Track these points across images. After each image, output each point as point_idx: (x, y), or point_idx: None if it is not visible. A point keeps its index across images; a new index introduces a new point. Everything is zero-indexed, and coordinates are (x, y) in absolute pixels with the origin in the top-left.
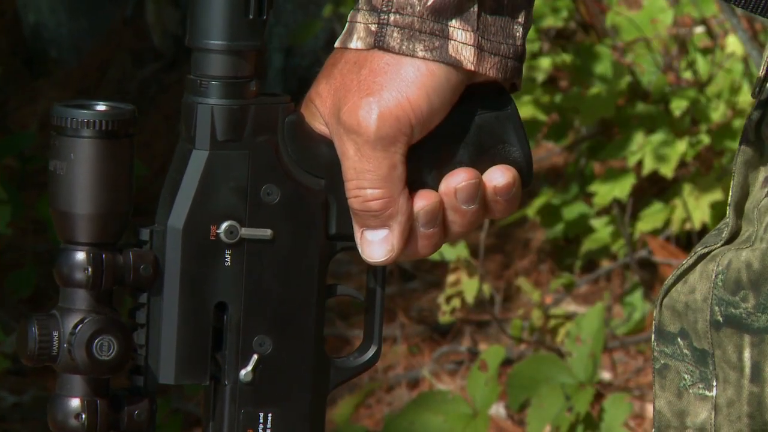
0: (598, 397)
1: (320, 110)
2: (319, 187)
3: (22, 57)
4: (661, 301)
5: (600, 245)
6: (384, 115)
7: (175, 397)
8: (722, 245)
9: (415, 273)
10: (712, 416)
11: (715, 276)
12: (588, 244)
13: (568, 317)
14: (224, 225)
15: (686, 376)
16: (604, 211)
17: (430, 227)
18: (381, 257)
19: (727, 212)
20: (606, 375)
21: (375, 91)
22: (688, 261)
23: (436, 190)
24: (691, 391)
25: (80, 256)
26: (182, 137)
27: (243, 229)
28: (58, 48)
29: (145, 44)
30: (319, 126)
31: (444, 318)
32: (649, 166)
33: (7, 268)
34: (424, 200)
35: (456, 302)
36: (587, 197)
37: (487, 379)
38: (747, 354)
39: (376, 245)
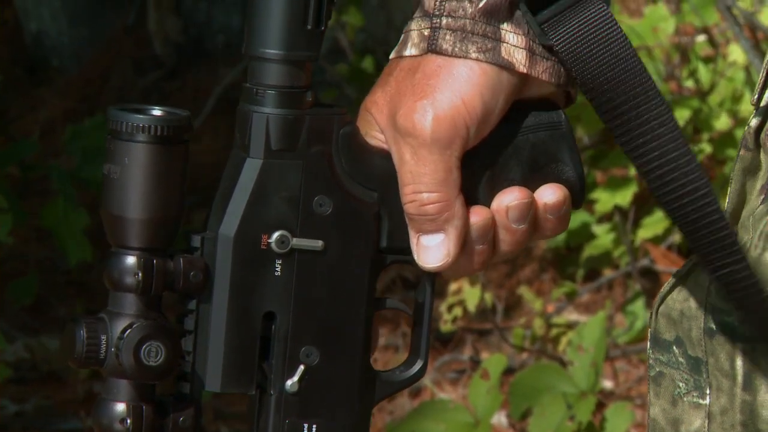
0: (600, 406)
1: (376, 118)
2: (371, 199)
3: (24, 65)
4: (657, 309)
5: (601, 251)
6: (439, 117)
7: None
8: None
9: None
10: (706, 424)
11: (709, 284)
12: (589, 251)
13: (570, 326)
14: (276, 234)
15: (681, 384)
16: (606, 218)
17: (481, 244)
18: (437, 262)
19: None
20: (608, 384)
21: (429, 94)
22: (683, 269)
23: (488, 207)
24: (685, 399)
25: (131, 260)
26: (236, 145)
27: (294, 239)
28: (59, 56)
29: (146, 52)
30: (375, 135)
31: (446, 327)
32: None
33: (8, 277)
34: (476, 216)
35: (458, 311)
36: (589, 205)
37: (489, 388)
38: (739, 362)
39: (432, 250)
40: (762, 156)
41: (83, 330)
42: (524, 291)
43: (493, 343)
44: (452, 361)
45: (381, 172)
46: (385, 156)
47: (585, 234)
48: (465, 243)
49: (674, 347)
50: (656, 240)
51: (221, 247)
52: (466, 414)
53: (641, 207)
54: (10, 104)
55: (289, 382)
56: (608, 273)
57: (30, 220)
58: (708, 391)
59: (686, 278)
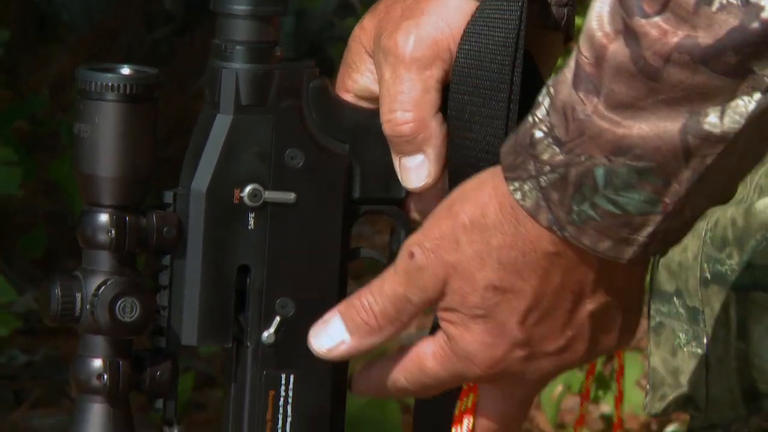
0: (610, 356)
1: (363, 42)
2: (343, 151)
3: (34, 21)
4: (657, 261)
5: None
6: (422, 37)
7: (186, 356)
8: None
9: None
10: (704, 374)
11: (704, 233)
12: None
13: None
14: (248, 188)
15: (681, 335)
16: None
17: None
18: (418, 183)
19: None
20: None
21: (416, 16)
22: None
23: None
24: (685, 349)
25: (104, 218)
26: (206, 101)
27: (266, 192)
28: (69, 12)
29: (155, 7)
30: (364, 64)
31: None
32: None
33: (18, 230)
34: None
35: None
36: None
37: None
38: (733, 311)
39: (413, 171)
40: None
41: (57, 288)
42: None
43: None
44: None
45: (352, 124)
46: (356, 108)
47: None
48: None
49: (674, 298)
50: None
51: (194, 203)
52: None
53: None
54: (20, 60)
55: (265, 334)
56: None
57: (39, 174)
58: (705, 341)
59: None
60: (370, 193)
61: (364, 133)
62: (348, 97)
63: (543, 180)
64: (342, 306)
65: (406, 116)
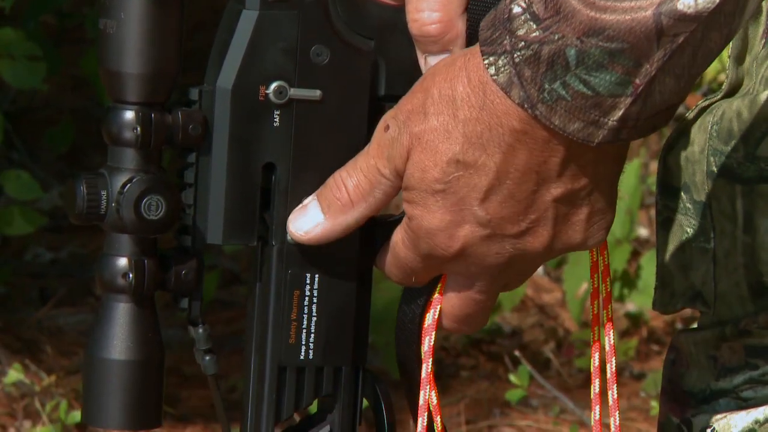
0: (635, 253)
1: None
2: (368, 48)
3: None
4: (665, 155)
5: None
6: None
7: (212, 254)
8: (722, 98)
9: None
10: (712, 268)
11: (711, 127)
12: None
13: None
14: (273, 85)
15: (689, 230)
16: None
17: None
18: None
19: (727, 65)
20: (643, 232)
21: None
22: (690, 114)
23: None
24: (693, 244)
25: (129, 115)
26: None
27: (292, 89)
28: None
29: None
30: None
31: None
32: None
33: (44, 125)
34: None
35: None
36: None
37: None
38: (739, 204)
39: None
40: (764, 2)
41: (83, 186)
42: None
43: None
44: None
45: (377, 20)
46: (381, 4)
47: None
48: None
49: (682, 193)
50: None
51: (219, 100)
52: None
53: None
54: None
55: None
56: None
57: (65, 69)
58: (712, 235)
59: (692, 123)
60: (395, 90)
61: (390, 30)
62: None
63: (517, 56)
64: (319, 189)
65: (433, 16)
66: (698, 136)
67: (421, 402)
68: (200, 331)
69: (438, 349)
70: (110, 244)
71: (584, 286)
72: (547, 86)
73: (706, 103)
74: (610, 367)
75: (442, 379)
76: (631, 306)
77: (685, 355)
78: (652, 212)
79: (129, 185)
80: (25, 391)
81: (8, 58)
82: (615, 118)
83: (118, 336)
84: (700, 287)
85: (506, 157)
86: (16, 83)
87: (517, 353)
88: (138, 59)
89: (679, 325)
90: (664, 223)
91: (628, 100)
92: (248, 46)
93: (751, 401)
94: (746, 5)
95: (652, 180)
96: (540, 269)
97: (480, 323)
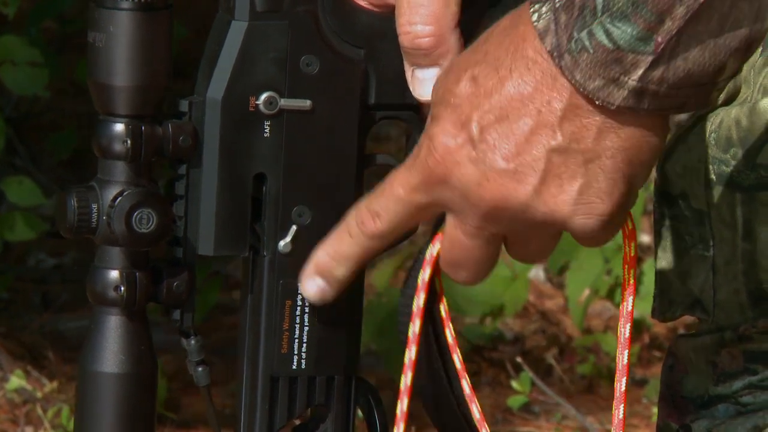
0: (638, 260)
1: None
2: (358, 57)
3: None
4: (662, 164)
5: None
6: None
7: (215, 260)
8: (719, 106)
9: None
10: (711, 276)
11: (709, 135)
12: None
13: None
14: (263, 96)
15: (687, 238)
16: None
17: None
18: (430, 95)
19: None
20: (645, 238)
21: None
22: (688, 122)
23: None
24: (691, 252)
25: (119, 127)
26: (221, 7)
27: (282, 99)
28: None
29: None
30: None
31: None
32: None
33: (47, 131)
34: None
35: None
36: None
37: None
38: (739, 212)
39: (427, 83)
40: None
41: (74, 199)
42: None
43: None
44: None
45: (367, 29)
46: (371, 13)
47: None
48: None
49: (680, 201)
50: None
51: (209, 111)
52: (504, 268)
53: None
54: None
55: (282, 243)
56: None
57: (68, 75)
58: (711, 243)
59: (689, 131)
60: (385, 99)
61: (380, 39)
62: (361, 3)
63: (558, 1)
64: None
65: (426, 30)
66: (696, 144)
67: (406, 361)
68: (192, 342)
69: None
70: (101, 257)
71: (586, 292)
72: (575, 34)
73: (704, 110)
74: (621, 360)
75: None
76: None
77: (683, 361)
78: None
79: (120, 198)
80: (27, 397)
81: (10, 64)
82: (635, 77)
83: (110, 349)
84: (699, 295)
85: (514, 82)
86: (18, 89)
87: (519, 359)
88: (127, 72)
89: (681, 332)
90: (662, 232)
91: (649, 59)
92: (238, 56)
93: (750, 406)
94: None
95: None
96: (541, 275)
97: (470, 275)
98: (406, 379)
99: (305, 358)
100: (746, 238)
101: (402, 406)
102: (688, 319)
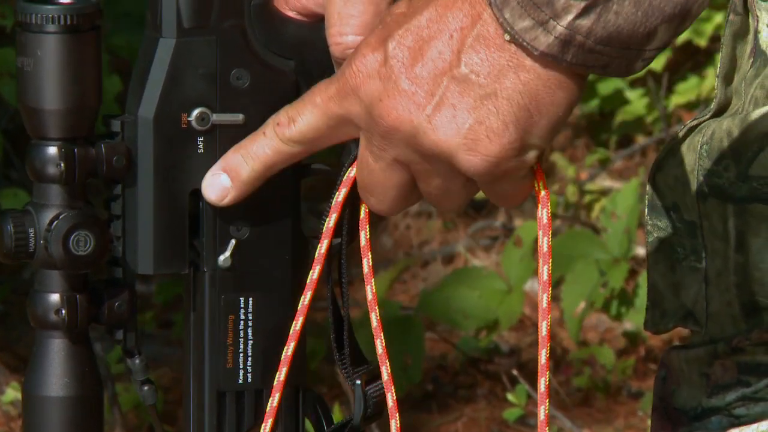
0: (633, 272)
1: None
2: (288, 68)
3: None
4: (653, 175)
5: (634, 117)
6: None
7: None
8: (710, 117)
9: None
10: (703, 288)
11: (700, 147)
12: (622, 116)
13: (603, 193)
14: (195, 112)
15: (679, 249)
16: (639, 83)
17: None
18: None
19: (716, 84)
20: (641, 250)
21: None
22: (679, 134)
23: None
24: (683, 263)
25: (52, 151)
26: (148, 26)
27: (214, 115)
28: None
29: None
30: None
31: (479, 193)
32: (683, 35)
33: None
34: None
35: None
36: None
37: (521, 255)
38: (731, 224)
39: None
40: (750, 20)
41: (10, 224)
42: (558, 158)
43: (527, 210)
44: (485, 227)
45: (296, 40)
46: (300, 23)
47: (618, 99)
48: None
49: (671, 213)
50: (690, 106)
51: (142, 130)
52: (499, 281)
53: (675, 72)
54: None
55: (221, 258)
56: (641, 139)
57: None
58: (704, 255)
59: (681, 143)
60: None
61: (309, 48)
62: (289, 15)
63: None
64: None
65: (357, 40)
66: (687, 155)
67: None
68: (137, 362)
69: (435, 368)
70: (41, 281)
71: (582, 304)
72: None
73: (695, 122)
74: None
75: (439, 398)
76: (629, 325)
77: (676, 373)
78: None
79: (56, 222)
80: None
81: (8, 77)
82: (564, 22)
83: (55, 372)
84: (692, 306)
85: (436, 7)
86: (14, 101)
87: (514, 372)
88: (57, 95)
89: (677, 344)
90: (654, 243)
91: (582, 5)
92: (167, 74)
93: (743, 418)
94: None
95: None
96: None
97: (377, 202)
98: (304, 299)
99: (251, 372)
100: (739, 249)
101: (296, 324)
102: (683, 331)
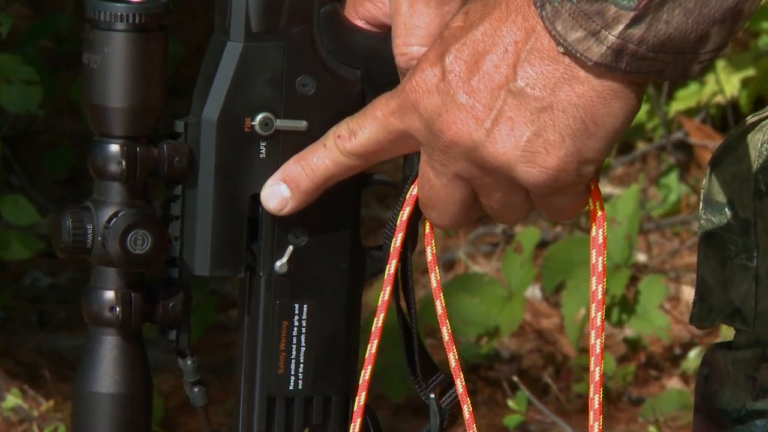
0: (634, 279)
1: None
2: (354, 77)
3: None
4: (711, 170)
5: (635, 124)
6: None
7: (212, 279)
8: None
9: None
10: (753, 287)
11: (761, 145)
12: None
13: (604, 199)
14: (259, 117)
15: (731, 246)
16: None
17: None
18: None
19: None
20: (641, 257)
21: None
22: (737, 130)
23: None
24: (734, 261)
25: (114, 148)
26: (216, 28)
27: (278, 120)
28: None
29: None
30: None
31: None
32: None
33: (44, 149)
34: None
35: None
36: None
37: (522, 262)
38: None
39: None
40: None
41: (69, 220)
42: None
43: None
44: (486, 234)
45: (364, 49)
46: (368, 34)
47: None
48: None
49: (726, 209)
50: (690, 112)
51: (205, 132)
52: (499, 287)
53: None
54: None
55: (278, 263)
56: (642, 146)
57: (64, 94)
58: (755, 254)
59: (740, 139)
60: None
61: (376, 59)
62: (357, 24)
63: None
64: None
65: (422, 51)
66: (747, 153)
67: (380, 302)
68: (189, 362)
69: None
70: (97, 278)
71: (582, 311)
72: None
73: (755, 118)
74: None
75: None
76: (629, 331)
77: (719, 373)
78: (651, 238)
79: (115, 219)
80: (23, 416)
81: (5, 83)
82: (615, 32)
83: (106, 369)
84: (740, 304)
85: (491, 22)
86: (12, 107)
87: (515, 378)
88: (122, 93)
89: (677, 351)
90: (706, 238)
91: (631, 14)
92: (233, 77)
93: None
94: None
95: (651, 205)
96: (538, 294)
97: (438, 216)
98: (377, 321)
99: (302, 379)
100: None
101: (371, 347)
102: (685, 337)
